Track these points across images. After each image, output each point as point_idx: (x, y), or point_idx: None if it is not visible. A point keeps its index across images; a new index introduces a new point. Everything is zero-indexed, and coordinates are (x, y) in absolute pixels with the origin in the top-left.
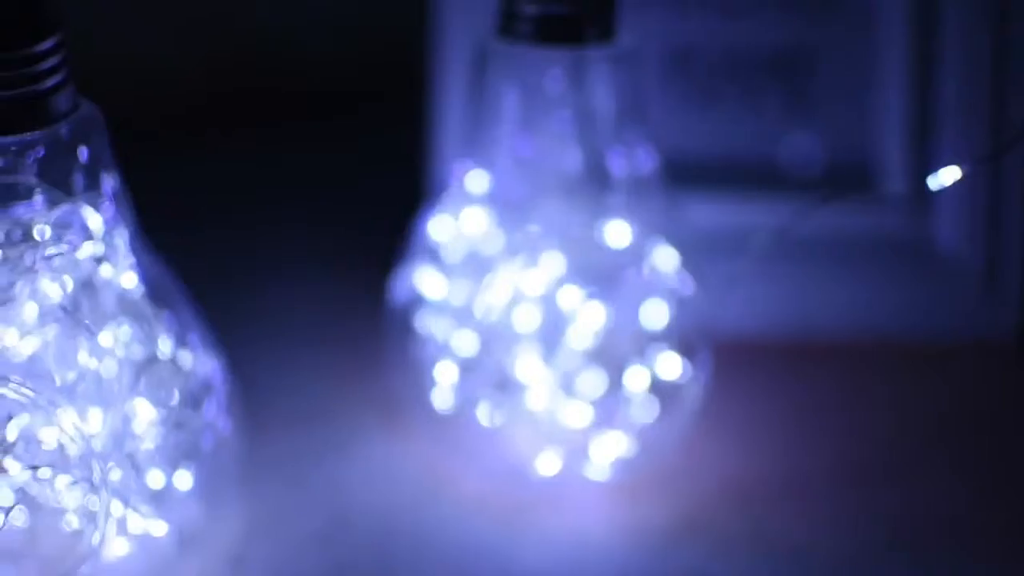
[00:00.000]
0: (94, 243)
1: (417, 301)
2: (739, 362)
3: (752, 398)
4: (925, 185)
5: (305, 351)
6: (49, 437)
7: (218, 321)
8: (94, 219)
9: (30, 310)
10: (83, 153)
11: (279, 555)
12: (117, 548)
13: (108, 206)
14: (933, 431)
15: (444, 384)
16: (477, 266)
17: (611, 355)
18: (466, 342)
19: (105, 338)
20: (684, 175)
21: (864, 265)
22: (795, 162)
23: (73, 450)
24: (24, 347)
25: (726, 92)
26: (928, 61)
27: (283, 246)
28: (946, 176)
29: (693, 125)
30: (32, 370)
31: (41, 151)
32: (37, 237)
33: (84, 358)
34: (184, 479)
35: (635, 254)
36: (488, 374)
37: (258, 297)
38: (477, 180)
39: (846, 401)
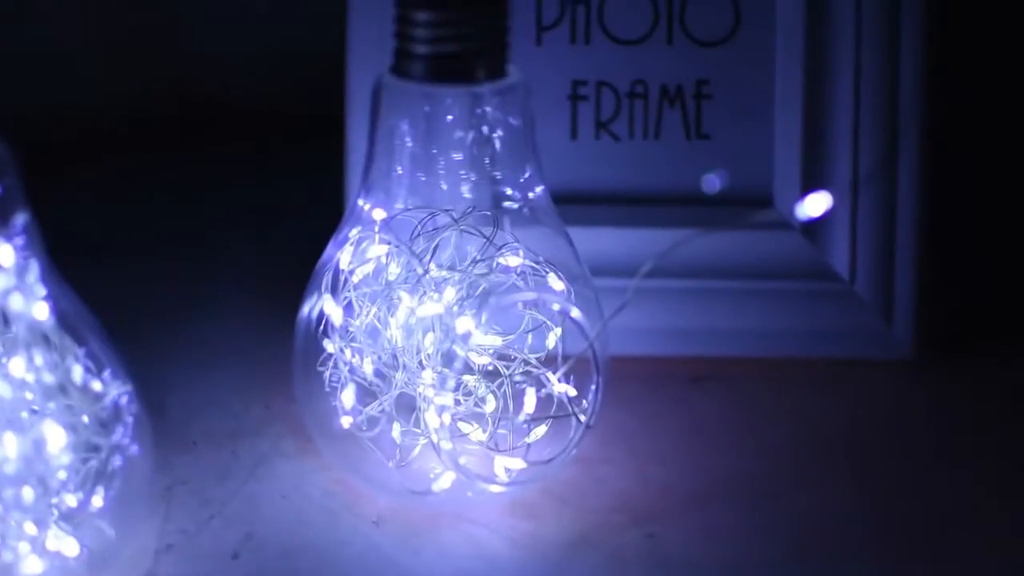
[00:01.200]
0: (5, 275)
1: (323, 327)
2: (640, 381)
3: (652, 416)
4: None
5: (220, 374)
6: None
7: (135, 344)
8: (5, 252)
9: None
10: None
11: (190, 572)
12: (32, 567)
13: (19, 240)
14: (830, 445)
15: (348, 406)
16: (378, 293)
17: (506, 376)
18: (368, 366)
19: (16, 366)
20: (584, 203)
21: (764, 288)
22: (694, 190)
23: None
24: None
25: (625, 121)
26: (821, 93)
27: (205, 272)
28: (813, 205)
29: (593, 154)
30: None
31: None
32: None
33: None
34: (96, 500)
35: (527, 280)
36: (389, 396)
37: (176, 320)
38: (378, 211)
39: (745, 418)
